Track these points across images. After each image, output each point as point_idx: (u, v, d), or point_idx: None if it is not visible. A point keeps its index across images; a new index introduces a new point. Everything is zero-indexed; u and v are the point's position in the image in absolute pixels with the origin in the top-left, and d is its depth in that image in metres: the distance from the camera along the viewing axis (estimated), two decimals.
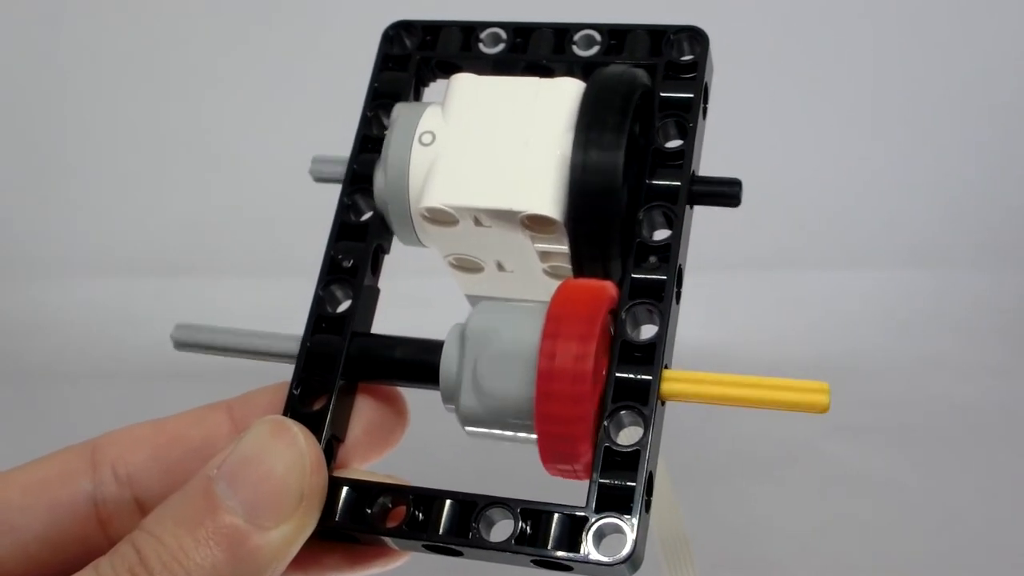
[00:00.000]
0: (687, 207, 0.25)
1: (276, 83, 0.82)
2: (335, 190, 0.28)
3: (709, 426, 0.70)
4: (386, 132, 0.27)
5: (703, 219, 0.26)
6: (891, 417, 0.72)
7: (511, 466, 0.35)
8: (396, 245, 0.28)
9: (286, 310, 0.37)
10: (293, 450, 0.23)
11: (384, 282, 0.28)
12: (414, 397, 0.27)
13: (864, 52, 0.81)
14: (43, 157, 0.84)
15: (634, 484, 0.23)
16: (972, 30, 0.81)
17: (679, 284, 0.25)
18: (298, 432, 0.24)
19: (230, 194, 0.84)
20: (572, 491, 0.25)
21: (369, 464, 0.27)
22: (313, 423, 0.25)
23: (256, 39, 0.82)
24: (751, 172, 0.31)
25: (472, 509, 0.24)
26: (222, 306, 0.79)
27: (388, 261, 0.28)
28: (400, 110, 0.27)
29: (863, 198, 0.84)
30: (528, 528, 0.23)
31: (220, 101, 0.83)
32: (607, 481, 0.23)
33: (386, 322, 0.28)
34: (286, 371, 0.27)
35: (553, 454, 0.24)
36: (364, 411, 0.27)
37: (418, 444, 0.30)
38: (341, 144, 0.29)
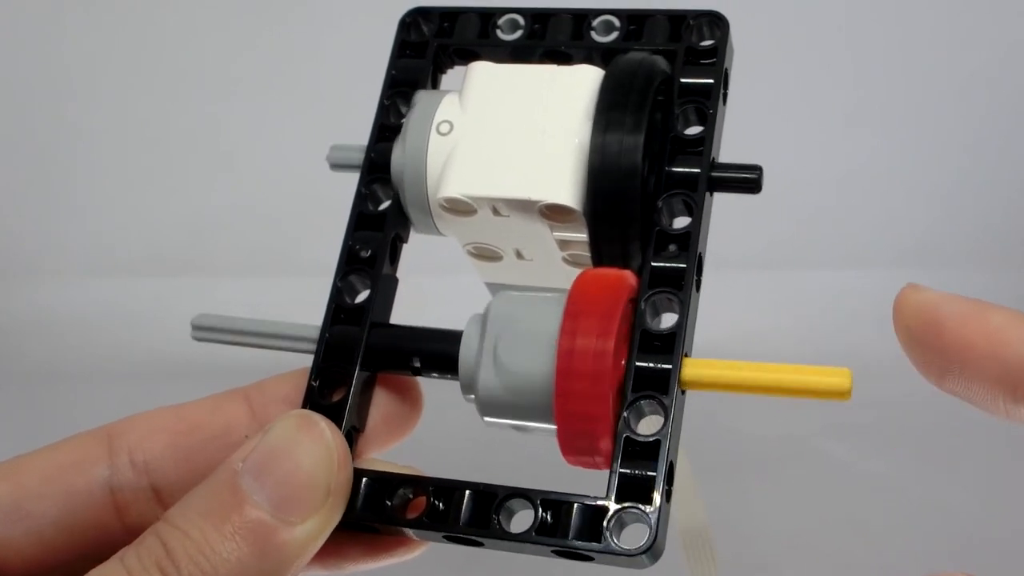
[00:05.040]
0: (707, 194, 0.25)
1: (278, 83, 0.82)
2: (335, 190, 0.28)
3: (709, 426, 0.70)
4: (403, 122, 0.27)
5: None
6: (891, 417, 0.72)
7: (530, 457, 0.35)
8: (414, 234, 0.28)
9: (286, 310, 0.36)
10: (320, 445, 0.23)
11: (402, 281, 0.28)
12: (433, 389, 0.27)
13: (863, 52, 0.81)
14: (43, 157, 0.84)
15: (655, 474, 0.22)
16: (973, 30, 0.81)
17: (699, 272, 0.25)
18: (325, 427, 0.23)
19: (230, 194, 0.84)
20: (592, 483, 0.24)
21: (384, 452, 0.27)
22: (333, 414, 0.25)
23: (259, 38, 0.82)
24: None
25: (492, 500, 0.23)
26: (222, 306, 0.78)
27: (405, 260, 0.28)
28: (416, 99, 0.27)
29: (863, 198, 0.84)
30: (548, 518, 0.23)
31: (220, 101, 0.83)
32: (627, 471, 0.23)
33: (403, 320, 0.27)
34: (295, 365, 0.27)
35: (573, 447, 0.24)
36: (381, 400, 0.26)
37: (437, 437, 0.29)
38: None
